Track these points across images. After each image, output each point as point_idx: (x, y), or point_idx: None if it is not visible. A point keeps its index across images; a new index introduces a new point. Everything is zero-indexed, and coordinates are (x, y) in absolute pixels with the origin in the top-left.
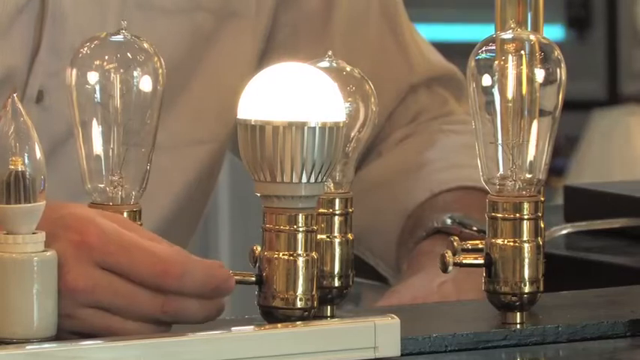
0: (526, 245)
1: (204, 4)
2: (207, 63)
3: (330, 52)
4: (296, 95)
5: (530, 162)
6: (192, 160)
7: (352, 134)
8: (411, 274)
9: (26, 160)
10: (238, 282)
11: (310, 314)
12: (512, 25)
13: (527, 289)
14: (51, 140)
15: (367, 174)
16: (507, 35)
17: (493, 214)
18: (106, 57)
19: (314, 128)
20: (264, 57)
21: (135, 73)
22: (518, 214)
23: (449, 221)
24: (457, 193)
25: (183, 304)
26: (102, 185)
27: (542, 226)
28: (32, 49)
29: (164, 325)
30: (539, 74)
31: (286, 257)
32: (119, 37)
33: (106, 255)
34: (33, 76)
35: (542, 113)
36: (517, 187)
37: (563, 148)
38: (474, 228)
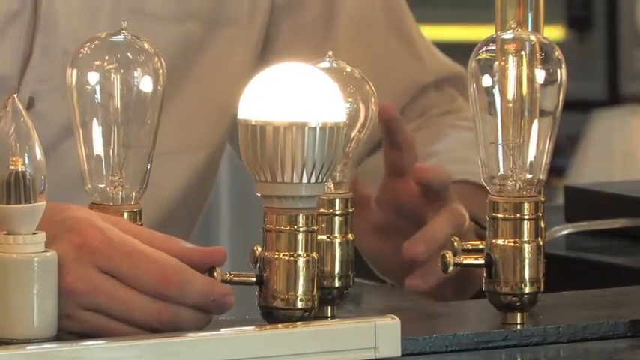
0: (526, 245)
1: (196, 12)
2: (198, 70)
3: (330, 53)
4: (296, 95)
5: (531, 162)
6: (184, 166)
7: (353, 135)
8: None
9: (26, 161)
10: (239, 283)
11: (311, 314)
12: (512, 26)
13: (527, 290)
14: (42, 146)
15: (375, 163)
16: (508, 35)
17: (494, 214)
18: (107, 57)
19: (314, 128)
20: (265, 64)
21: (135, 74)
22: (518, 215)
23: None
24: (460, 186)
25: (179, 313)
26: (102, 185)
27: (543, 226)
28: (24, 55)
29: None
30: (540, 74)
31: (287, 257)
32: (119, 38)
33: (108, 259)
34: (24, 82)
35: (543, 113)
36: (517, 187)
37: (564, 149)
38: (479, 220)
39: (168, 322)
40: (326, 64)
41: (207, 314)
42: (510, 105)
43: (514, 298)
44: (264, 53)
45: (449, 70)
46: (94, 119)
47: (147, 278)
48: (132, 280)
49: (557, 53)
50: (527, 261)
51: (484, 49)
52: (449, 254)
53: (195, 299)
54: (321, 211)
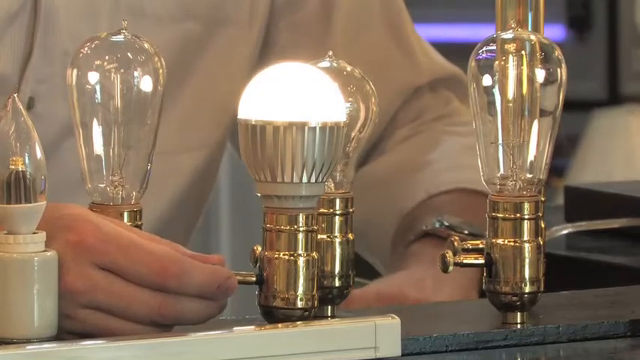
0: (526, 245)
1: (196, 13)
2: (198, 70)
3: (330, 52)
4: (296, 95)
5: (531, 162)
6: (184, 166)
7: (353, 134)
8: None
9: (27, 160)
10: (239, 282)
11: (311, 314)
12: (512, 25)
13: (527, 289)
14: (42, 146)
15: (370, 171)
16: (508, 35)
17: (493, 214)
18: (107, 57)
19: (314, 128)
20: (265, 63)
21: (135, 73)
22: (518, 214)
23: (437, 224)
24: (454, 195)
25: (180, 306)
26: (102, 185)
27: (543, 226)
28: (24, 55)
29: (163, 326)
30: (540, 74)
31: (287, 257)
32: (119, 38)
33: (104, 255)
34: (24, 82)
35: (543, 113)
36: (518, 187)
37: (564, 148)
38: (465, 231)
39: (170, 316)
40: (326, 64)
41: (213, 303)
42: (510, 105)
43: (514, 298)
44: (264, 53)
45: (444, 72)
46: (94, 119)
47: (145, 270)
48: (130, 273)
49: (557, 53)
50: (527, 261)
51: (484, 49)
52: (449, 254)
53: (196, 288)
54: (321, 210)
